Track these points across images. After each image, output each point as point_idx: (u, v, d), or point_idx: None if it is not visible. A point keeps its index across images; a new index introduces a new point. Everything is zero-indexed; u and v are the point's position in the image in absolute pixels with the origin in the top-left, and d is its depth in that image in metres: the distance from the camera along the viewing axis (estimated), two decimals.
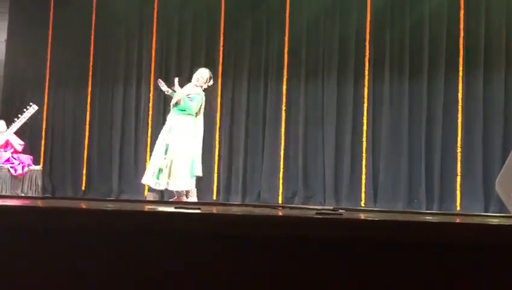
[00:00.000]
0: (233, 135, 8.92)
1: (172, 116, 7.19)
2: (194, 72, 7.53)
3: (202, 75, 7.33)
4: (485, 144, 7.54)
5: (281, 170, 8.54)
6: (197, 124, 7.27)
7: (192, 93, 7.24)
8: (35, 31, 10.18)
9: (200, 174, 7.28)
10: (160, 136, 7.29)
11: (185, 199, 6.75)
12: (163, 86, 7.43)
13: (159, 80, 7.68)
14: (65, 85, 10.04)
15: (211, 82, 7.48)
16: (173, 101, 7.20)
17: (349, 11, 8.44)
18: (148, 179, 7.07)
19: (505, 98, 7.55)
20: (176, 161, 6.93)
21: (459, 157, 7.65)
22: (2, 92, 10.06)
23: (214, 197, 8.73)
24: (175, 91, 7.21)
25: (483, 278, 1.24)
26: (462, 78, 7.76)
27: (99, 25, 9.87)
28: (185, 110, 7.13)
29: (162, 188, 7.11)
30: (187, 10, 9.34)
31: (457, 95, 7.75)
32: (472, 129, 7.66)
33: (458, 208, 7.46)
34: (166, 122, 7.36)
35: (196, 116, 7.22)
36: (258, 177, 8.70)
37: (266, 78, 8.82)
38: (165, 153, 6.95)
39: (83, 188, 9.68)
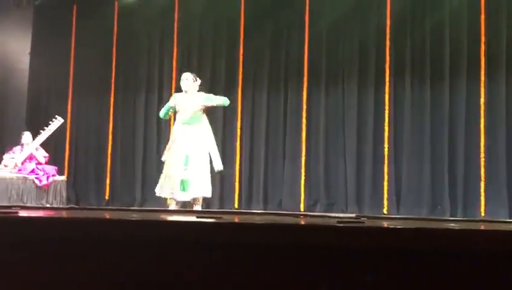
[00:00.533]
0: (253, 143, 8.92)
1: (183, 128, 7.06)
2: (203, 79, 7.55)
3: (190, 77, 7.23)
4: (508, 149, 7.44)
5: (302, 177, 8.51)
6: (205, 123, 7.21)
7: (202, 94, 7.21)
8: (58, 43, 10.31)
9: (221, 167, 7.19)
10: (176, 148, 7.05)
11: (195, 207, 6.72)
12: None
13: None
14: (88, 95, 10.15)
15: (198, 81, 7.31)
16: (187, 116, 7.06)
17: (368, 17, 8.42)
18: (169, 191, 6.94)
19: None
20: (198, 169, 6.91)
21: (482, 163, 7.55)
22: (27, 103, 10.21)
23: (236, 206, 8.74)
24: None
25: (509, 286, 1.23)
26: (484, 82, 7.67)
27: (121, 35, 9.98)
28: (191, 123, 7.08)
29: (187, 199, 7.02)
30: (207, 18, 9.40)
31: (480, 100, 7.67)
32: (495, 134, 7.57)
33: (483, 214, 7.37)
34: (178, 134, 7.08)
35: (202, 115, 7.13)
36: (280, 185, 8.68)
37: (286, 86, 8.81)
38: (186, 165, 6.92)
39: (107, 197, 9.75)
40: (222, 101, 7.28)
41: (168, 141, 7.49)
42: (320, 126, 8.51)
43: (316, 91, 8.60)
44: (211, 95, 7.25)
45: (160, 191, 7.02)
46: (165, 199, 7.44)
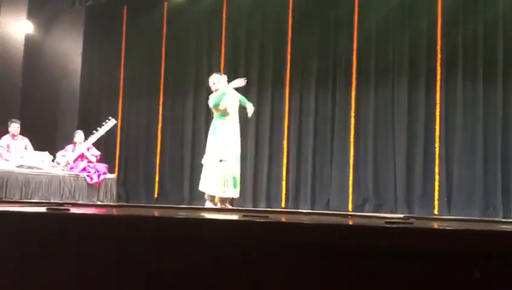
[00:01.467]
0: (301, 142, 8.91)
1: (234, 128, 6.90)
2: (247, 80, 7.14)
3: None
4: None
5: (351, 177, 8.45)
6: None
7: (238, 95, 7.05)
8: (109, 43, 10.54)
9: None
10: (230, 146, 6.85)
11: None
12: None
13: None
14: (138, 95, 10.34)
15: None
16: (236, 115, 6.89)
17: (419, 14, 8.29)
18: (222, 189, 6.88)
19: None
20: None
21: None
22: (79, 102, 10.45)
23: (283, 205, 8.74)
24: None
25: None
26: None
27: (170, 35, 10.12)
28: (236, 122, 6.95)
29: (237, 196, 7.00)
30: (255, 19, 9.44)
31: None
32: None
33: None
34: (228, 132, 6.84)
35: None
36: (327, 184, 8.64)
37: (334, 85, 8.76)
38: (239, 163, 6.91)
39: (156, 195, 9.91)
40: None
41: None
42: (369, 125, 8.43)
43: (365, 90, 8.52)
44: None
45: (217, 190, 6.75)
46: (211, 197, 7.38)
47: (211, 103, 6.84)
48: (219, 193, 6.69)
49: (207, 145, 6.92)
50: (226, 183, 6.70)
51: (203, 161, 6.88)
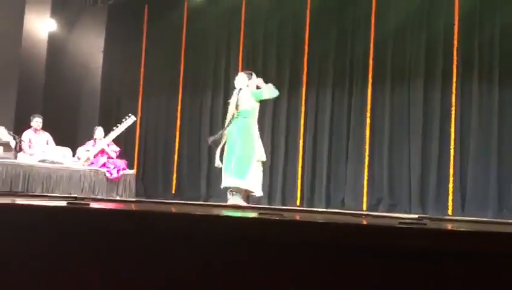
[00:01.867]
0: (317, 141, 8.89)
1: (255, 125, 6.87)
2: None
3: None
4: None
5: (366, 176, 8.42)
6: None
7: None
8: (130, 41, 10.60)
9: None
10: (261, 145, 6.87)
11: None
12: None
13: None
14: (157, 93, 10.39)
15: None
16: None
17: (436, 16, 8.23)
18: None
19: None
20: None
21: None
22: (100, 99, 10.52)
23: (298, 203, 8.74)
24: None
25: None
26: None
27: (190, 35, 10.16)
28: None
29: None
30: (273, 20, 9.43)
31: None
32: None
33: None
34: (257, 131, 6.85)
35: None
36: (342, 184, 8.62)
37: (351, 85, 8.73)
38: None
39: (173, 191, 9.95)
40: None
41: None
42: (384, 126, 8.39)
43: (380, 91, 8.49)
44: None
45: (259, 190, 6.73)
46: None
47: (271, 93, 6.74)
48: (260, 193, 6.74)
49: (256, 144, 6.72)
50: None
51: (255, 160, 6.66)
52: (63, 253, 1.62)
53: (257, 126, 6.88)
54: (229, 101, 6.93)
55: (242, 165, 6.56)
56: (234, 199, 6.59)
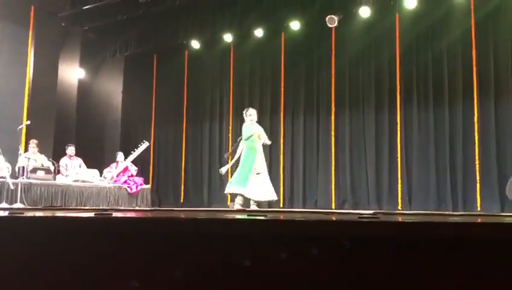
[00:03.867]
0: (294, 156, 8.92)
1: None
2: (251, 108, 7.05)
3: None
4: (498, 157, 7.14)
5: (333, 182, 8.44)
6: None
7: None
8: (143, 83, 10.62)
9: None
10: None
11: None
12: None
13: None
14: (166, 123, 10.39)
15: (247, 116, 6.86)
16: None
17: (381, 52, 8.31)
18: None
19: None
20: None
21: (477, 168, 7.29)
22: (121, 129, 10.49)
23: (281, 205, 8.73)
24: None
25: (500, 270, 1.18)
26: (477, 102, 7.41)
27: (190, 76, 10.20)
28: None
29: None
30: (255, 60, 9.50)
31: (474, 117, 7.42)
32: (487, 145, 7.28)
33: (479, 209, 7.11)
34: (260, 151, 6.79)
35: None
36: (315, 188, 8.63)
37: (318, 110, 8.79)
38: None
39: (182, 200, 9.90)
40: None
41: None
42: (346, 141, 8.44)
43: (341, 113, 8.54)
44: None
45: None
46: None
47: (252, 132, 6.64)
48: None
49: (261, 163, 6.66)
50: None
51: (259, 173, 6.58)
52: (91, 254, 1.60)
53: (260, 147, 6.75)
54: (255, 131, 6.73)
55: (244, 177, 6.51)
56: (237, 205, 6.53)
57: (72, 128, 9.66)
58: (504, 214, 5.85)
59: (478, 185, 7.25)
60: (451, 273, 1.17)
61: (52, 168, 7.64)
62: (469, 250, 1.18)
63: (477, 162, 7.32)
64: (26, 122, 8.17)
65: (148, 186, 8.86)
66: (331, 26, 7.98)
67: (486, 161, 7.23)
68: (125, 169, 8.52)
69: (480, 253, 1.18)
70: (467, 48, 7.51)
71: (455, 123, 7.59)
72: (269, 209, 6.38)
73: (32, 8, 8.98)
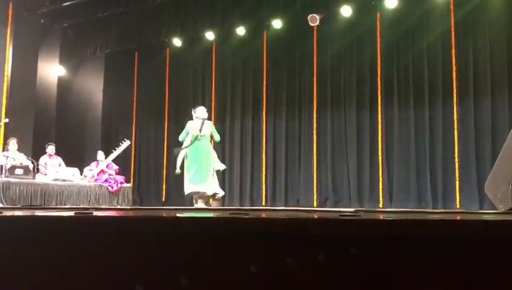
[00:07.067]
0: (276, 155, 8.92)
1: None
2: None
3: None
4: (477, 155, 7.26)
5: (315, 180, 8.47)
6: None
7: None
8: (124, 81, 10.51)
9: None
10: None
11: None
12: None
13: None
14: (147, 122, 10.30)
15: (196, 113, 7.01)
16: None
17: (363, 51, 8.36)
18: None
19: (492, 118, 7.23)
20: None
21: (457, 167, 7.40)
22: (101, 128, 10.39)
23: (264, 204, 8.73)
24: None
25: (479, 266, 1.20)
26: (456, 102, 7.52)
27: (172, 74, 10.13)
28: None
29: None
30: (238, 58, 9.48)
31: (453, 116, 7.53)
32: (466, 144, 7.40)
33: (458, 207, 7.22)
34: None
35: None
36: (297, 187, 8.65)
37: (300, 110, 8.81)
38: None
39: (163, 199, 9.84)
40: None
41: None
42: (327, 141, 8.47)
43: (323, 112, 8.58)
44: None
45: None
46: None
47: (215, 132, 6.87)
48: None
49: (215, 158, 6.84)
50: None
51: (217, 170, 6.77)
52: (72, 255, 1.58)
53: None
54: (191, 125, 6.85)
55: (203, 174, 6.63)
56: (199, 204, 6.61)
57: (51, 126, 9.52)
58: (483, 211, 5.95)
59: (457, 183, 7.36)
60: (431, 270, 1.18)
61: (31, 166, 7.52)
62: (448, 247, 1.20)
63: (456, 160, 7.43)
64: (4, 120, 8.02)
65: (130, 185, 8.78)
66: (312, 25, 8.02)
67: (465, 159, 7.34)
68: (106, 167, 8.44)
69: (459, 249, 1.20)
70: (447, 48, 7.61)
71: (435, 122, 7.67)
72: (251, 208, 6.39)
73: (11, 4, 8.83)
